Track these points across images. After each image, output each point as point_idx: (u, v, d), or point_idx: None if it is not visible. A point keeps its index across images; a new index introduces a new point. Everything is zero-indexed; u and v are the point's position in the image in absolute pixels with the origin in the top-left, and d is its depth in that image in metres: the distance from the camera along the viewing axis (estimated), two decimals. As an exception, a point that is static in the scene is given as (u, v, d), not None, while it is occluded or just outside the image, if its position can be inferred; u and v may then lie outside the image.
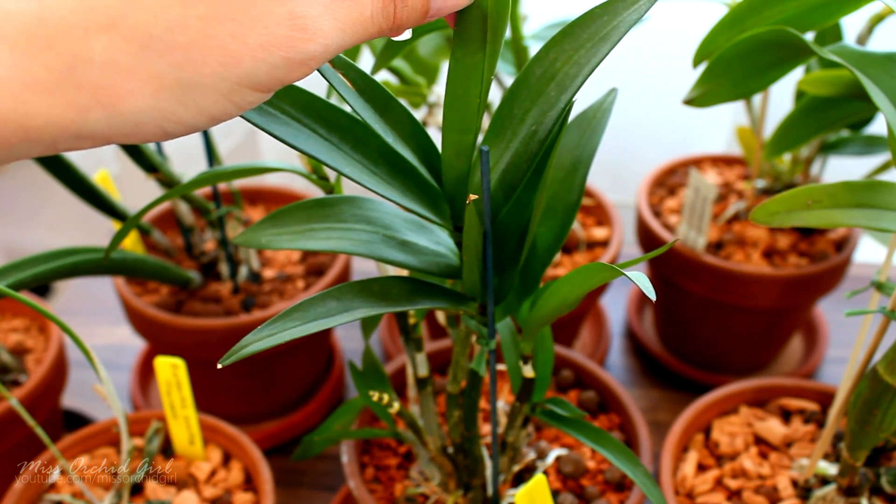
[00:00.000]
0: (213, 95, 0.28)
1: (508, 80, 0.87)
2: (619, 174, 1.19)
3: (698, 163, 0.94)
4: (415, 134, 0.39)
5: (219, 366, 0.36)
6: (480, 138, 0.43)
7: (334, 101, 0.40)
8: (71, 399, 0.85)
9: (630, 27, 0.34)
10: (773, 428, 0.65)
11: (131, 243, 0.80)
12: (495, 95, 0.85)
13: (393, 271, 0.53)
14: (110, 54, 0.27)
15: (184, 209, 0.79)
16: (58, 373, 0.75)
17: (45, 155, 0.29)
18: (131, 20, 0.27)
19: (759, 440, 0.66)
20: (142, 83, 0.27)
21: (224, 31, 0.28)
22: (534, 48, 0.81)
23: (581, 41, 0.36)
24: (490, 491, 0.56)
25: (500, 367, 0.66)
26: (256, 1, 0.28)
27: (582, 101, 0.47)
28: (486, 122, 0.83)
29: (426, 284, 0.43)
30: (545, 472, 0.61)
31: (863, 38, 0.71)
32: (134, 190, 1.00)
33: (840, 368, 0.92)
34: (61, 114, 0.27)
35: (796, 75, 0.68)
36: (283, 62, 0.29)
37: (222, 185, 0.85)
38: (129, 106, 0.28)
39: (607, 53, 0.35)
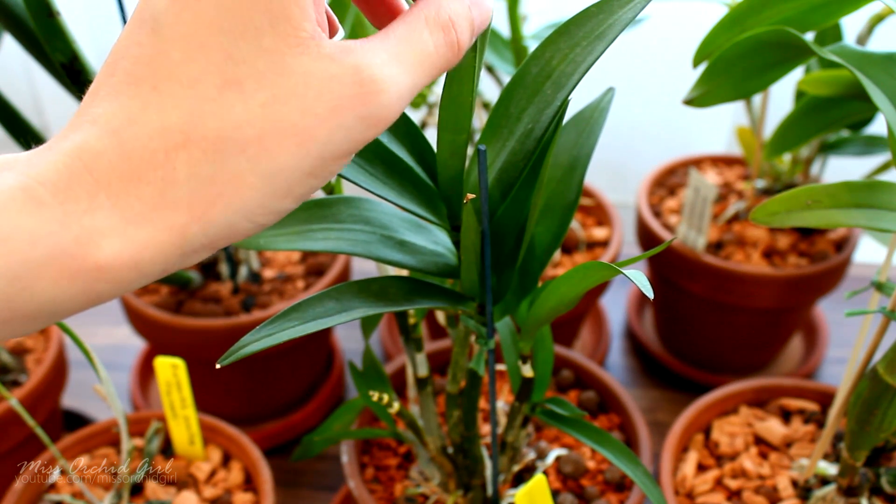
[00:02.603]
0: (296, 176, 0.28)
1: (507, 80, 0.87)
2: (618, 174, 1.19)
3: (698, 163, 0.94)
4: (410, 134, 0.39)
5: (218, 365, 0.36)
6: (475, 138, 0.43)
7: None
8: (71, 399, 0.85)
9: (626, 25, 0.35)
10: (773, 428, 0.65)
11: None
12: (494, 94, 0.85)
13: (392, 271, 0.53)
14: (192, 168, 0.27)
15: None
16: (58, 373, 0.75)
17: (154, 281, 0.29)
18: (202, 129, 0.27)
19: (759, 440, 0.66)
20: (224, 185, 0.28)
21: (291, 110, 0.28)
22: (533, 48, 0.81)
23: (577, 39, 0.36)
24: (490, 491, 0.56)
25: (500, 366, 0.66)
26: (314, 69, 0.28)
27: (581, 101, 0.47)
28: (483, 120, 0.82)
29: (425, 284, 0.43)
30: (545, 472, 0.61)
31: (863, 38, 0.71)
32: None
33: (840, 368, 0.92)
34: (165, 239, 0.28)
35: (796, 75, 0.68)
36: (358, 122, 0.28)
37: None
38: (218, 211, 0.28)
39: (603, 51, 0.35)
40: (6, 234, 0.26)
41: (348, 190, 0.42)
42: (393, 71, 0.29)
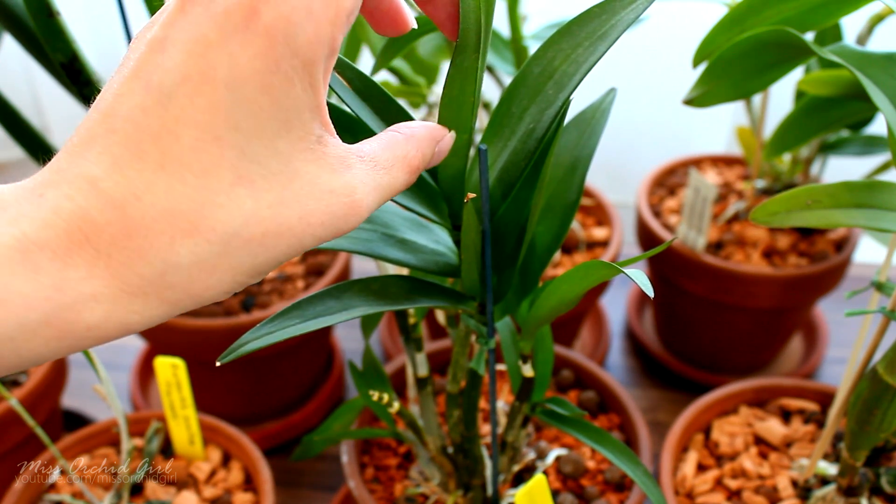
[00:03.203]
0: (281, 260, 0.30)
1: (508, 80, 0.87)
2: (619, 174, 1.19)
3: (698, 163, 0.94)
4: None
5: (217, 364, 0.36)
6: (477, 138, 0.43)
7: (334, 100, 0.40)
8: (71, 399, 0.85)
9: (628, 26, 0.35)
10: (773, 428, 0.65)
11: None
12: (494, 95, 0.85)
13: (392, 270, 0.53)
14: (196, 257, 0.28)
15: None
16: (58, 373, 0.75)
17: None
18: (211, 221, 0.28)
19: (759, 440, 0.66)
20: (223, 273, 0.29)
21: (292, 215, 0.29)
22: (534, 48, 0.81)
23: (579, 40, 0.36)
24: (490, 491, 0.56)
25: (500, 366, 0.66)
26: (317, 180, 0.29)
27: (582, 102, 0.47)
28: (484, 121, 0.82)
29: (425, 283, 0.43)
30: (545, 472, 0.61)
31: (863, 38, 0.71)
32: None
33: (840, 368, 0.92)
34: (156, 309, 0.29)
35: (796, 75, 0.68)
36: (335, 233, 0.31)
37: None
38: (212, 292, 0.29)
39: (605, 52, 0.35)
40: (2, 298, 0.26)
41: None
42: (371, 197, 0.31)
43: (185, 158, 0.27)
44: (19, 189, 0.28)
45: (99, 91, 0.29)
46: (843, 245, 0.82)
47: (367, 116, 0.37)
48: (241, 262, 0.29)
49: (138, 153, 0.27)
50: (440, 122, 0.37)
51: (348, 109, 0.39)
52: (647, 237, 0.86)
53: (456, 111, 0.36)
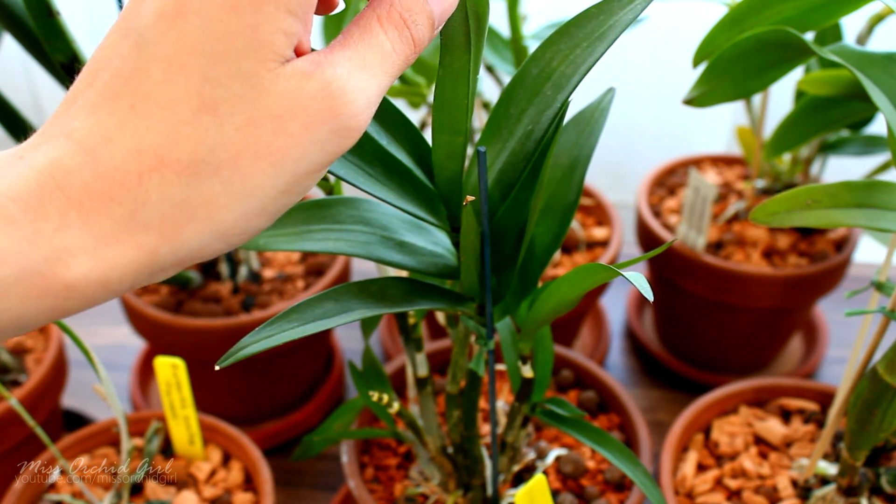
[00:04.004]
0: (271, 195, 0.28)
1: (508, 80, 0.87)
2: (618, 174, 1.19)
3: (698, 163, 0.94)
4: (409, 136, 0.39)
5: (217, 367, 0.36)
6: (477, 137, 0.43)
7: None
8: (71, 399, 0.85)
9: (626, 26, 0.34)
10: (773, 428, 0.65)
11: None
12: (495, 95, 0.85)
13: (392, 272, 0.53)
14: (164, 190, 0.27)
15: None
16: (58, 373, 0.75)
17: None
18: (176, 153, 0.27)
19: (759, 440, 0.66)
20: (196, 209, 0.28)
21: (265, 132, 0.28)
22: (534, 48, 0.81)
23: (577, 40, 0.36)
24: (490, 491, 0.56)
25: (500, 367, 0.66)
26: (287, 89, 0.28)
27: (581, 102, 0.47)
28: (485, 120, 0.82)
29: (424, 285, 0.43)
30: (545, 472, 0.61)
31: (863, 38, 0.71)
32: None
33: (840, 368, 0.92)
34: (134, 259, 0.28)
35: (796, 75, 0.68)
36: (332, 135, 0.29)
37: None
38: (189, 233, 0.28)
39: (604, 53, 0.35)
40: None
41: (348, 191, 0.42)
42: (359, 79, 0.29)
43: (153, 93, 0.27)
44: (3, 155, 0.28)
45: None
46: (843, 245, 0.82)
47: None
48: (213, 192, 0.28)
49: (112, 97, 0.27)
50: (434, 125, 0.37)
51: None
52: (647, 237, 0.85)
53: (449, 114, 0.36)
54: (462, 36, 0.34)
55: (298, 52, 0.29)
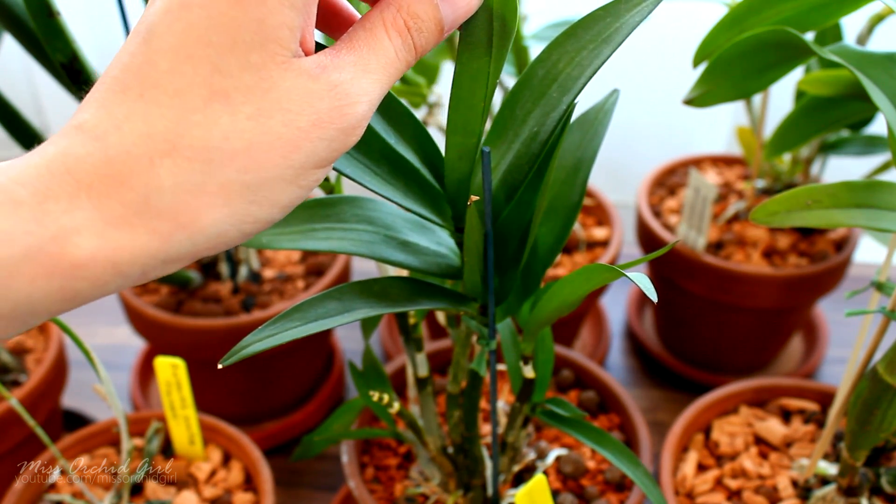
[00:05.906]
0: (282, 186, 0.29)
1: (508, 81, 0.87)
2: (619, 174, 1.19)
3: (698, 163, 0.94)
4: (417, 135, 0.39)
5: (219, 366, 0.36)
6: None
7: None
8: (71, 399, 0.85)
9: (633, 29, 0.34)
10: (773, 428, 0.65)
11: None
12: (496, 97, 0.85)
13: (393, 272, 0.53)
14: (178, 177, 0.28)
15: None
16: (58, 373, 0.75)
17: (137, 285, 0.29)
18: (188, 139, 0.28)
19: (759, 440, 0.66)
20: (213, 196, 0.28)
21: (276, 123, 0.28)
22: (534, 48, 0.81)
23: (583, 43, 0.36)
24: (490, 491, 0.56)
25: (501, 367, 0.66)
26: (296, 86, 0.29)
27: (582, 102, 0.47)
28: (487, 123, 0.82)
29: (427, 285, 0.43)
30: (545, 472, 0.61)
31: (863, 38, 0.71)
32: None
33: (840, 368, 0.92)
34: (146, 243, 0.28)
35: (796, 75, 0.68)
36: (338, 133, 0.30)
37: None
38: (207, 220, 0.28)
39: (610, 55, 0.35)
40: None
41: (351, 189, 0.42)
42: (363, 83, 0.30)
43: (162, 82, 0.28)
44: (23, 155, 0.28)
45: None
46: (843, 245, 0.82)
47: (372, 118, 0.37)
48: (229, 179, 0.28)
49: (121, 89, 0.28)
50: (448, 125, 0.37)
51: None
52: (647, 237, 0.86)
53: (464, 114, 0.36)
54: (484, 36, 0.34)
55: (302, 46, 0.30)
